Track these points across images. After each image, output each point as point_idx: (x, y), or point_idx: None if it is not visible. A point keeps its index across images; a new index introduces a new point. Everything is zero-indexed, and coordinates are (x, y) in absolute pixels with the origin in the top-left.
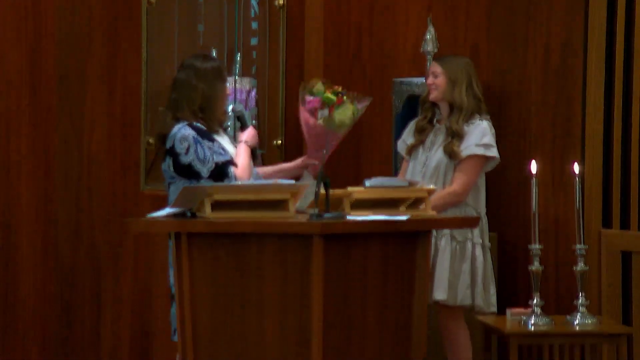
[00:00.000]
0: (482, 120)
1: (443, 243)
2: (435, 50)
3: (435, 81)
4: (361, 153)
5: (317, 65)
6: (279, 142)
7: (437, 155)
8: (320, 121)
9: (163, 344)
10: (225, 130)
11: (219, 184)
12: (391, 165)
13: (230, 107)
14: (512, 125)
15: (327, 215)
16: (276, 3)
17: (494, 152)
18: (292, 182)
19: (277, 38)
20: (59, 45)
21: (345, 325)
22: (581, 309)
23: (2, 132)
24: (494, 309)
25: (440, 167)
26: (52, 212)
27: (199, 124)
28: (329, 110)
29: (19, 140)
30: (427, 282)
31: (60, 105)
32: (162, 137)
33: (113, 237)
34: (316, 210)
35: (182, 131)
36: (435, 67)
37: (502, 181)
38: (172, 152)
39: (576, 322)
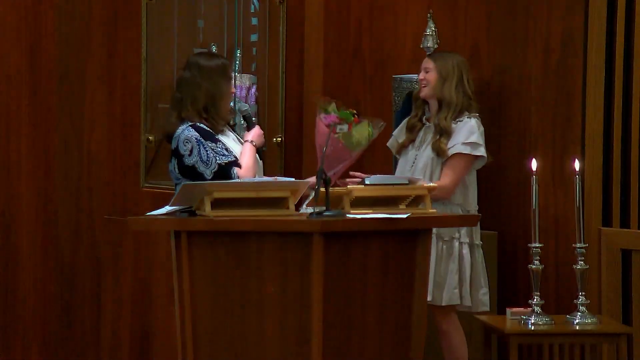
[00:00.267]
0: (470, 118)
1: None
2: (436, 46)
3: (426, 76)
4: None
5: (317, 61)
6: (279, 139)
7: (426, 153)
8: (339, 135)
9: (163, 344)
10: (232, 127)
11: (219, 182)
12: (391, 163)
13: (236, 107)
14: (512, 124)
15: (327, 213)
16: None
17: (481, 151)
18: (292, 179)
19: (277, 34)
20: (58, 45)
21: (345, 325)
22: (581, 308)
23: (2, 132)
24: (486, 308)
25: (428, 165)
26: (52, 212)
27: (202, 125)
28: (349, 126)
29: (19, 140)
30: (427, 281)
31: (60, 105)
32: (168, 137)
33: (113, 237)
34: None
35: (186, 133)
36: (428, 63)
37: (502, 180)
38: (177, 154)
39: (576, 321)
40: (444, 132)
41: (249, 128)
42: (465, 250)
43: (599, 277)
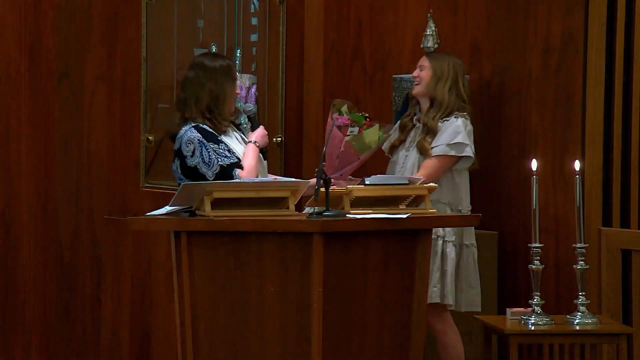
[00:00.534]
0: (457, 118)
1: None
2: (436, 46)
3: (420, 74)
4: None
5: (317, 61)
6: (279, 139)
7: (414, 153)
8: (349, 138)
9: (163, 343)
10: (238, 127)
11: (219, 182)
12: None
13: (241, 107)
14: (512, 124)
15: (327, 213)
16: None
17: (467, 152)
18: (292, 179)
19: (277, 34)
20: (58, 45)
21: (345, 325)
22: (581, 308)
23: (2, 132)
24: (477, 308)
25: (416, 165)
26: (52, 212)
27: (205, 126)
28: (359, 129)
29: (19, 140)
30: (427, 280)
31: (60, 105)
32: (172, 137)
33: (113, 237)
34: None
35: (188, 134)
36: (423, 61)
37: (502, 180)
38: (180, 154)
39: (576, 321)
40: (430, 131)
41: (253, 129)
42: (450, 249)
43: (599, 277)
